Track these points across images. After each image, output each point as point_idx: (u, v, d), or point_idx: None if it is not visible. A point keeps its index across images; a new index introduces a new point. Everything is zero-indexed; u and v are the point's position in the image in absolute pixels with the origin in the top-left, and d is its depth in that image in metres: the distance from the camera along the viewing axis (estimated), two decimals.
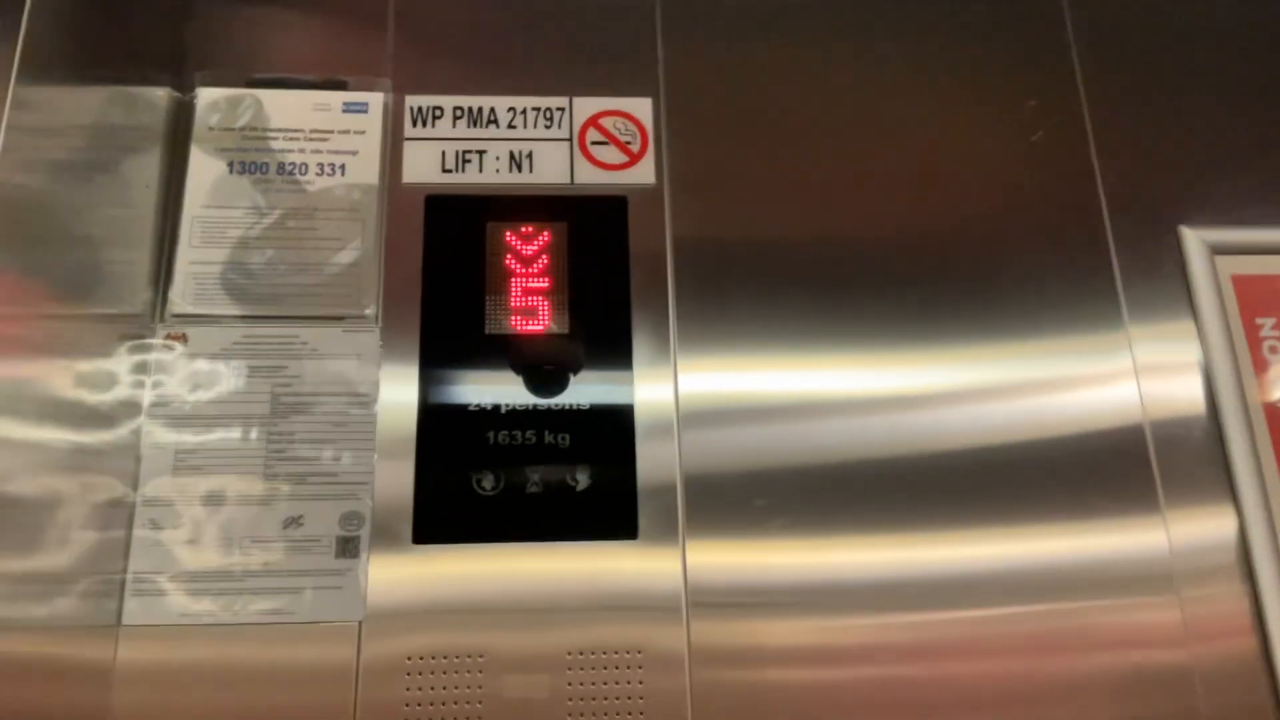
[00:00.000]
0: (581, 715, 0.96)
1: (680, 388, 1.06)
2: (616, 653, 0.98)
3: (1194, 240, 1.15)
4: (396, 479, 1.01)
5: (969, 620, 1.01)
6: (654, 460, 1.03)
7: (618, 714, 0.96)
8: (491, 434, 1.03)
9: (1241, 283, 1.13)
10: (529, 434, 1.03)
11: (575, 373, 1.06)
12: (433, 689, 0.95)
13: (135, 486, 0.98)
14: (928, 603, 1.02)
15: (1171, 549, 1.04)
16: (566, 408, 1.04)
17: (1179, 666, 1.01)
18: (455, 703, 0.95)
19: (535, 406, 1.04)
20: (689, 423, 1.05)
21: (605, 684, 0.96)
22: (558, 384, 1.05)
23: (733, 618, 1.00)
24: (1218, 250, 1.14)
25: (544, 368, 1.06)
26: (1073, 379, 1.10)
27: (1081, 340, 1.12)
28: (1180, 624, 1.02)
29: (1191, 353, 1.12)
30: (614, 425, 1.04)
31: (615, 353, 1.07)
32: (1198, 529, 1.05)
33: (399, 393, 1.03)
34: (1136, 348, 1.12)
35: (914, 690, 0.99)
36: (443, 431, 1.02)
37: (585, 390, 1.05)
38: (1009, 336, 1.11)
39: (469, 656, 0.96)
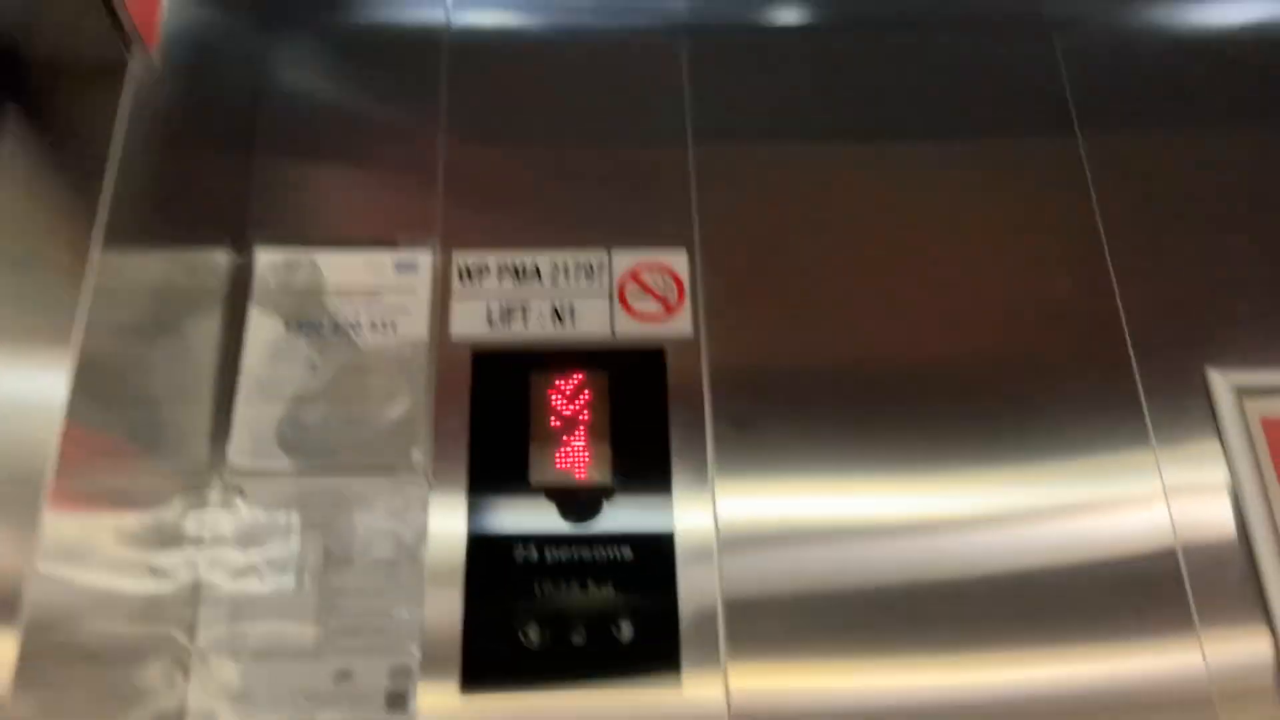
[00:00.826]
0: None
1: (719, 516, 1.08)
2: None
3: (1221, 383, 1.17)
4: (444, 625, 1.02)
5: None
6: (695, 590, 1.05)
7: None
8: (537, 584, 1.05)
9: (1272, 426, 1.14)
10: (574, 584, 1.05)
11: (616, 517, 1.08)
12: None
13: (192, 638, 1.00)
14: None
15: (1209, 672, 1.04)
16: (610, 558, 1.06)
17: None
18: None
19: (580, 557, 1.06)
20: (729, 550, 1.07)
21: None
22: (600, 528, 1.07)
23: None
24: (1246, 393, 1.16)
25: (586, 514, 1.08)
26: (1103, 502, 1.12)
27: (1111, 464, 1.14)
28: None
29: (1220, 473, 1.13)
30: (656, 571, 1.06)
31: (656, 498, 1.09)
32: (1234, 651, 1.05)
33: (447, 542, 1.06)
34: (1165, 471, 1.13)
35: None
36: (490, 582, 1.04)
37: (627, 532, 1.08)
38: (1040, 460, 1.13)
39: None
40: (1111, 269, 1.23)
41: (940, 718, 1.02)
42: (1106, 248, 1.24)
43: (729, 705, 1.01)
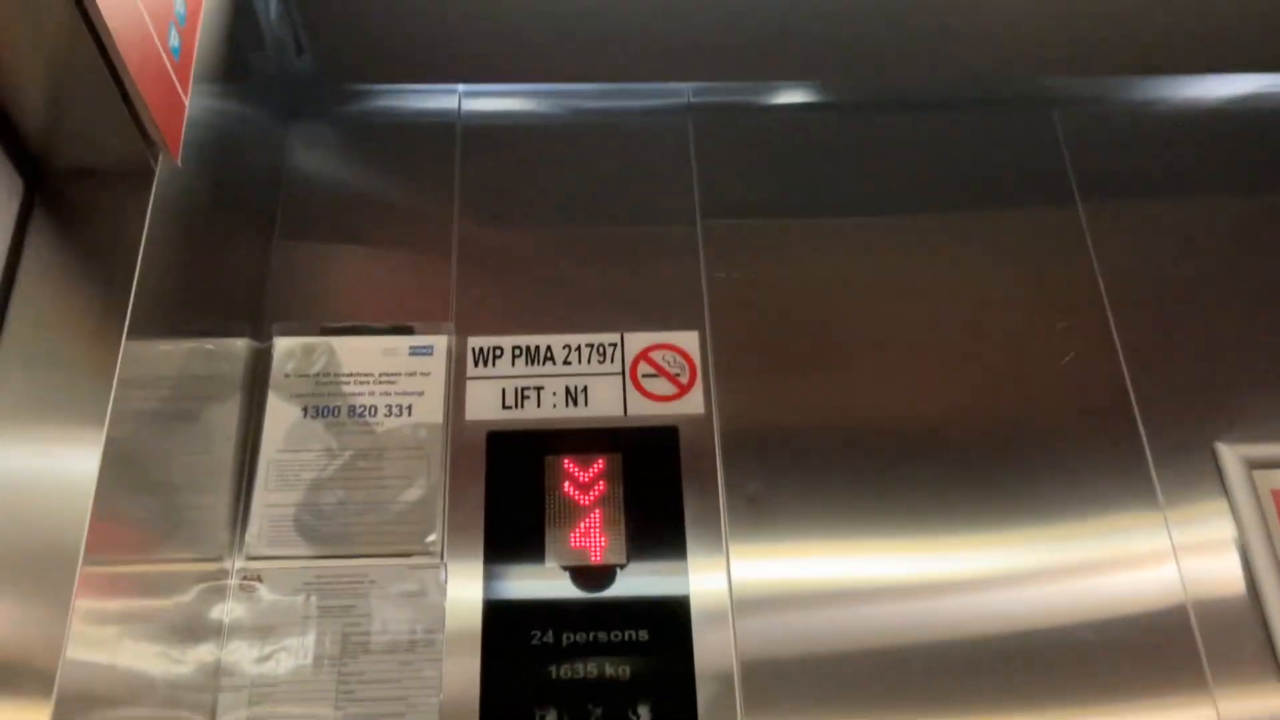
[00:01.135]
0: None
1: (734, 583, 1.09)
2: None
3: (1230, 456, 1.17)
4: (462, 708, 1.02)
5: None
6: (711, 656, 1.06)
7: None
8: (554, 668, 1.05)
9: None
10: (590, 666, 1.05)
11: (632, 598, 1.09)
12: None
13: None
14: None
15: None
16: (626, 640, 1.06)
17: None
18: None
19: (596, 638, 1.06)
20: (743, 613, 1.08)
21: None
22: (615, 593, 1.08)
23: None
24: (1255, 465, 1.17)
25: (603, 597, 1.09)
26: (1114, 560, 1.13)
27: (1120, 522, 1.15)
28: None
29: (1227, 530, 1.14)
30: (672, 641, 1.06)
31: (671, 570, 1.10)
32: (1247, 707, 1.06)
33: (464, 620, 1.06)
34: (1174, 530, 1.14)
35: None
36: (507, 666, 1.05)
37: (642, 596, 1.09)
38: (1049, 522, 1.14)
39: None
40: (1117, 341, 1.25)
41: None
42: (1111, 319, 1.26)
43: None
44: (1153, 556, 1.13)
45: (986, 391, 1.23)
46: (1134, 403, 1.21)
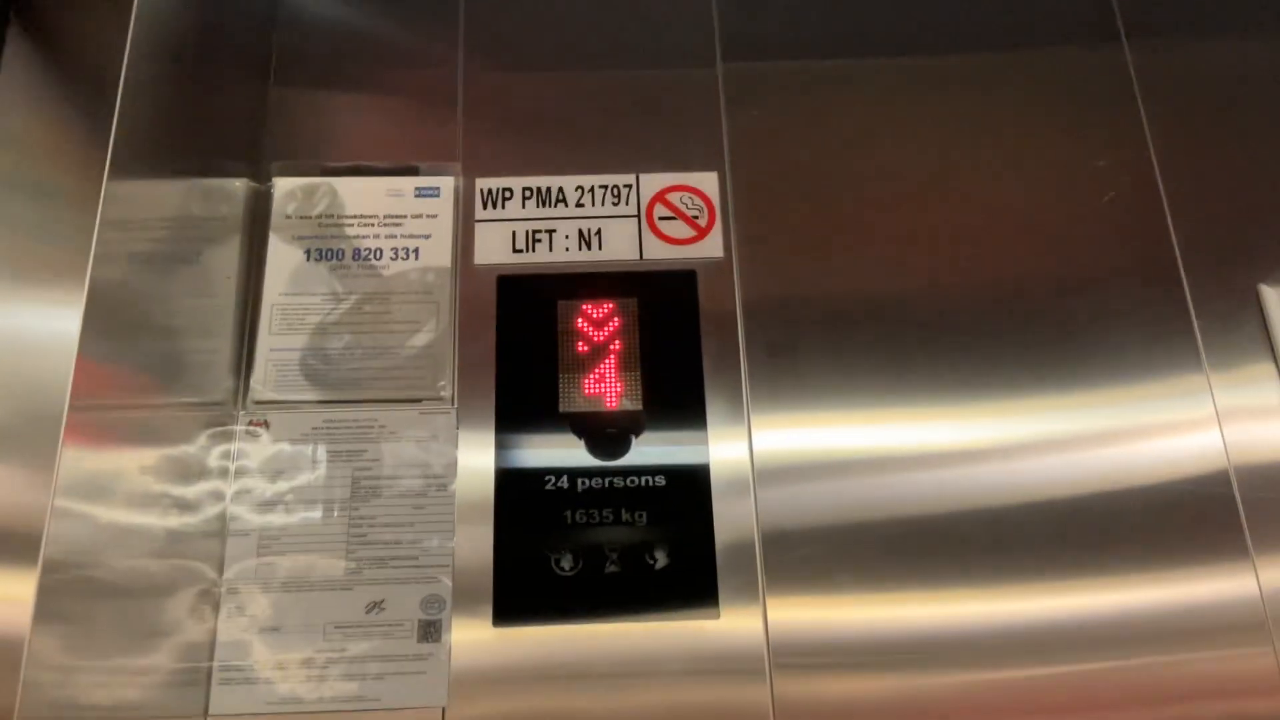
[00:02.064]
0: None
1: (755, 447, 1.06)
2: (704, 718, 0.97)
3: (1275, 299, 1.12)
4: (475, 559, 1.01)
5: (1056, 676, 0.99)
6: (731, 520, 1.03)
7: None
8: (569, 513, 1.02)
9: None
10: (606, 512, 1.03)
11: (649, 445, 1.06)
12: None
13: (220, 571, 0.99)
14: (1013, 658, 1.00)
15: (1264, 595, 1.01)
16: (643, 485, 1.04)
17: (1278, 715, 0.98)
18: None
19: (612, 484, 1.04)
20: (765, 481, 1.05)
21: None
22: (632, 457, 1.05)
23: (816, 677, 0.98)
24: None
25: (618, 442, 1.06)
26: (1154, 426, 1.08)
27: (1161, 387, 1.10)
28: (1276, 671, 0.99)
29: (1273, 395, 1.09)
30: (690, 497, 1.04)
31: (689, 425, 1.06)
32: None
33: (476, 473, 1.04)
34: (1218, 393, 1.09)
35: None
36: (520, 511, 1.03)
37: (661, 461, 1.05)
38: (1086, 386, 1.10)
39: None
40: (1161, 183, 1.18)
41: (984, 647, 1.00)
42: (1156, 163, 1.19)
43: (768, 637, 0.99)
44: (1196, 422, 1.08)
45: (1021, 243, 1.17)
46: (1177, 249, 1.15)
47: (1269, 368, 1.10)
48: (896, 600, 1.01)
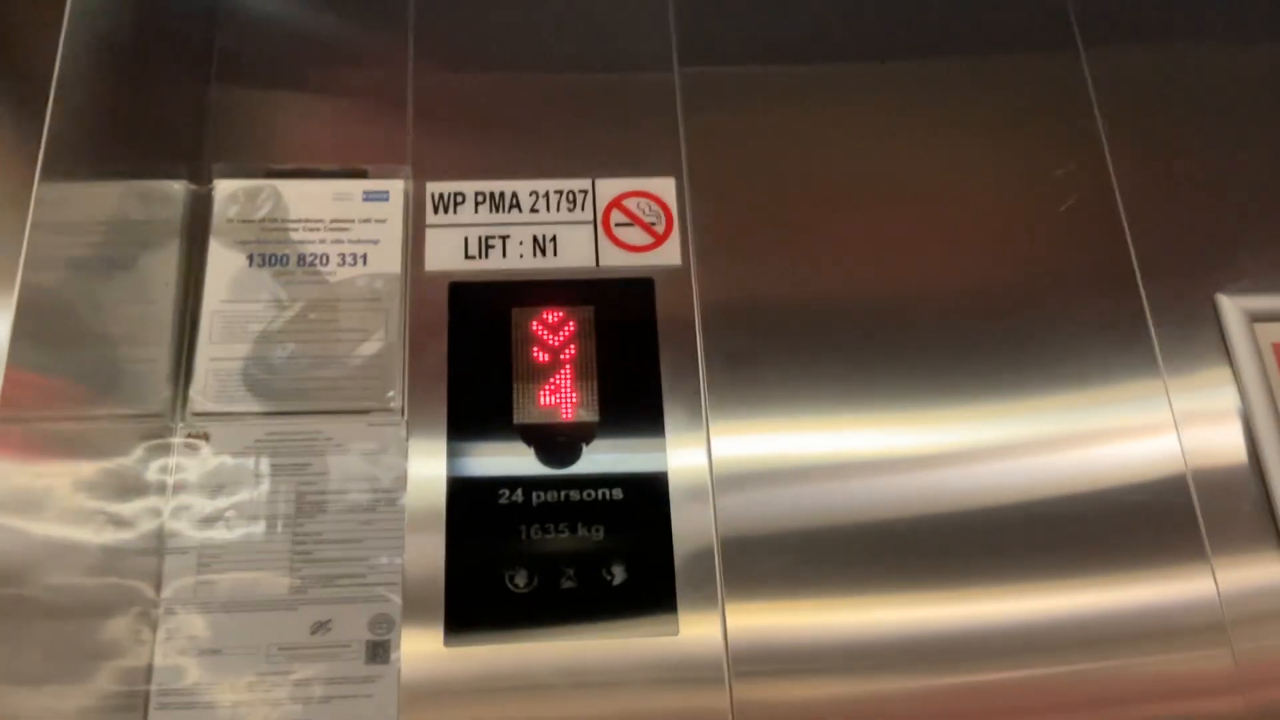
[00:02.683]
0: None
1: (714, 454, 1.04)
2: None
3: (1231, 308, 1.13)
4: (426, 576, 0.98)
5: (1015, 679, 0.99)
6: (690, 529, 1.01)
7: None
8: (523, 527, 1.00)
9: None
10: (562, 525, 1.00)
11: (604, 454, 1.04)
12: None
13: (158, 589, 0.95)
14: (973, 662, 0.99)
15: (1221, 597, 1.02)
16: (600, 498, 1.02)
17: (1235, 714, 0.99)
18: None
19: (568, 496, 1.01)
20: (724, 489, 1.03)
21: None
22: (586, 465, 1.03)
23: (776, 683, 0.97)
24: (1257, 318, 1.13)
25: (574, 454, 1.03)
26: (1112, 431, 1.09)
27: (1119, 393, 1.10)
28: (1234, 671, 1.00)
29: (1230, 399, 1.10)
30: (649, 508, 1.02)
31: (647, 433, 1.05)
32: (1247, 576, 1.04)
33: (427, 487, 1.01)
34: (1175, 399, 1.10)
35: None
36: (473, 527, 1.00)
37: (618, 470, 1.03)
38: (1045, 392, 1.10)
39: None
40: (1118, 193, 1.19)
41: (944, 653, 0.99)
42: (1112, 169, 1.20)
43: (727, 645, 0.98)
44: (1153, 426, 1.09)
45: (980, 250, 1.16)
46: (1134, 258, 1.16)
47: (1225, 373, 1.11)
48: (856, 605, 1.01)
